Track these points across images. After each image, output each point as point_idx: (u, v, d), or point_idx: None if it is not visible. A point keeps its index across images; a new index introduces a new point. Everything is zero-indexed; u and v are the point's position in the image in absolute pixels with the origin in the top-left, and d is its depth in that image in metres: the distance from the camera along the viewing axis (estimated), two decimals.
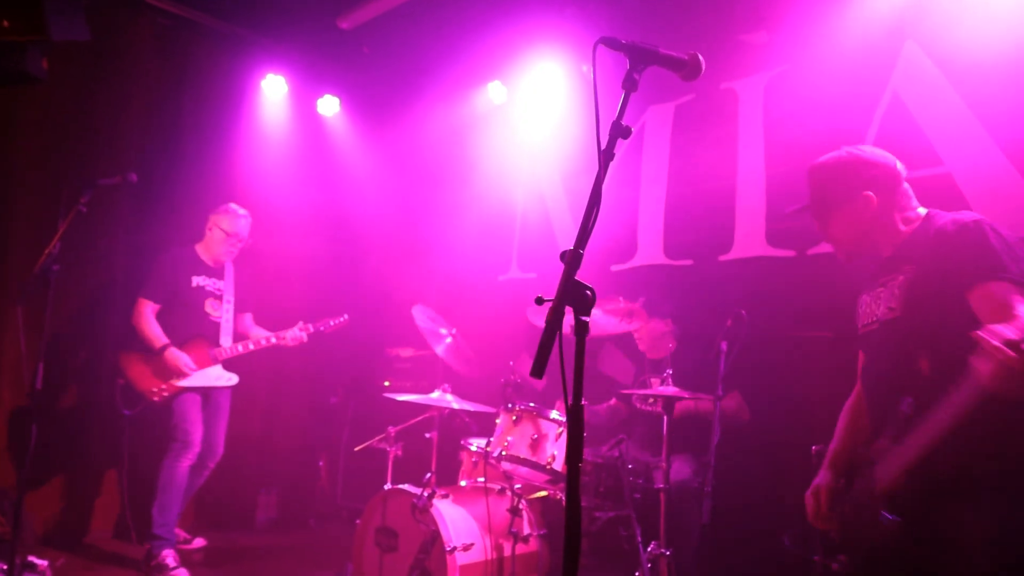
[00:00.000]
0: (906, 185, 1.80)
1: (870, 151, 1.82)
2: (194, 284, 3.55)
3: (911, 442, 1.52)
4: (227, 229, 3.59)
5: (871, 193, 1.74)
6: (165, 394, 3.41)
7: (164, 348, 3.39)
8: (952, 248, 1.62)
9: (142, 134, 4.12)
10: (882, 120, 3.07)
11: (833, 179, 1.80)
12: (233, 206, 3.66)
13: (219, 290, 3.62)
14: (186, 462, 3.38)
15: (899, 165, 1.79)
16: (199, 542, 3.76)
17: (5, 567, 2.56)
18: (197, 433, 3.43)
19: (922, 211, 1.79)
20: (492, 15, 4.09)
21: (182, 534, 3.69)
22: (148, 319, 3.45)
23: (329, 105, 4.90)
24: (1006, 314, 1.45)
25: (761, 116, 3.50)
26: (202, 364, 3.47)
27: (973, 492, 1.50)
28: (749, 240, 3.46)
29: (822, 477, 1.82)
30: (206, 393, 3.53)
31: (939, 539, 1.51)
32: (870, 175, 1.76)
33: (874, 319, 1.77)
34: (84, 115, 3.89)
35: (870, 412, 1.79)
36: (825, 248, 3.18)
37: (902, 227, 1.76)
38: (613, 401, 3.51)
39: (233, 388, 3.66)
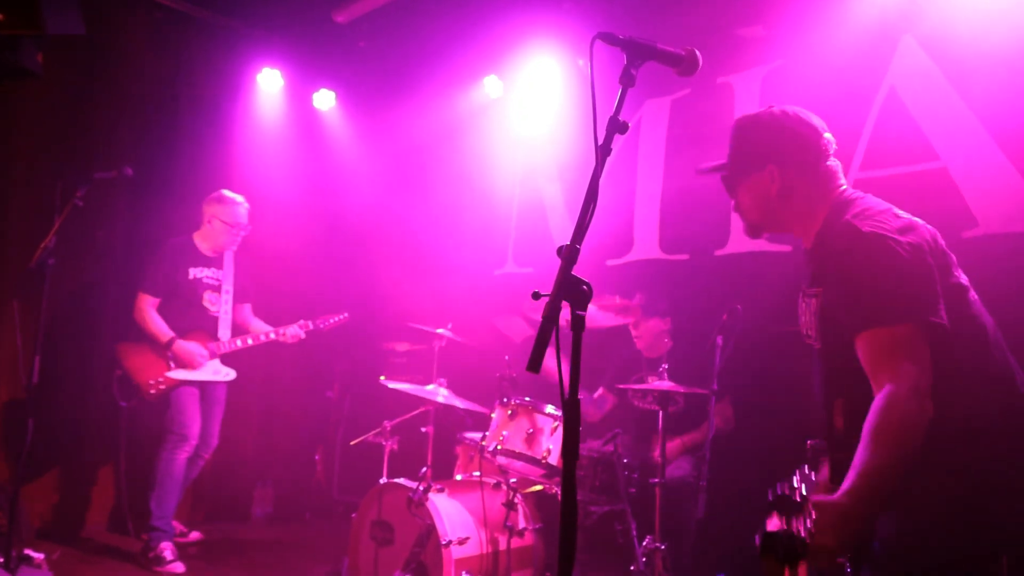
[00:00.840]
0: (831, 163, 1.55)
1: (796, 116, 1.56)
2: (191, 276, 3.53)
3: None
4: (228, 220, 3.56)
5: (775, 167, 1.52)
6: (162, 387, 3.40)
7: (171, 341, 3.38)
8: (838, 279, 1.42)
9: (138, 128, 4.10)
10: (878, 115, 3.08)
11: (745, 141, 1.58)
12: (228, 194, 3.61)
13: (217, 280, 3.60)
14: (183, 454, 3.38)
15: (826, 138, 1.55)
16: (195, 535, 3.76)
17: (2, 560, 2.56)
18: (195, 426, 3.43)
19: (847, 191, 1.55)
20: (488, 9, 4.08)
21: (178, 527, 3.69)
22: (150, 313, 3.44)
23: (325, 99, 4.88)
24: (875, 378, 1.30)
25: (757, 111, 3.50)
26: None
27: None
28: (745, 235, 3.46)
29: (822, 475, 1.72)
30: (203, 386, 3.53)
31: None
32: (783, 147, 1.53)
33: (805, 332, 1.61)
34: (79, 109, 3.87)
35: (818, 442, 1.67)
36: None
37: (819, 214, 1.52)
38: (600, 391, 3.52)
39: (230, 382, 3.66)
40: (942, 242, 1.47)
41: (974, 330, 1.43)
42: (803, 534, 1.14)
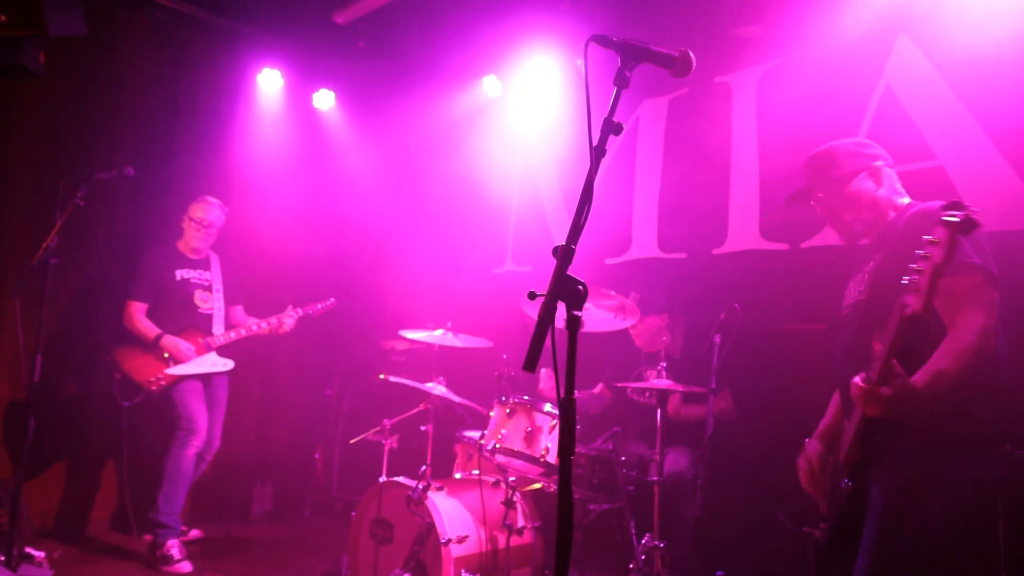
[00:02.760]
0: (894, 173, 1.92)
1: (862, 140, 1.98)
2: (179, 278, 3.57)
3: (856, 415, 1.66)
4: (196, 217, 3.61)
5: (867, 173, 1.87)
6: (163, 383, 3.43)
7: (158, 337, 3.43)
8: (913, 236, 1.64)
9: (139, 128, 4.12)
10: (875, 114, 3.09)
11: (846, 156, 1.91)
12: (204, 196, 3.68)
13: (207, 281, 3.65)
14: (192, 449, 3.40)
15: (887, 156, 1.92)
16: (195, 533, 3.78)
17: (3, 558, 2.58)
18: (202, 420, 3.45)
19: (907, 200, 1.89)
20: (487, 9, 4.09)
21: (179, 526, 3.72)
22: (138, 317, 3.49)
23: (324, 99, 4.90)
24: (956, 308, 1.56)
25: (755, 110, 3.52)
26: (197, 352, 3.49)
27: (900, 463, 1.63)
28: (743, 233, 3.48)
29: (812, 446, 1.94)
30: (206, 381, 3.55)
31: (866, 499, 1.66)
32: (876, 152, 1.90)
33: (849, 302, 1.88)
34: (81, 109, 3.88)
35: (840, 390, 1.90)
36: (818, 241, 3.21)
37: (889, 210, 1.86)
38: (598, 388, 3.53)
39: (229, 380, 3.69)
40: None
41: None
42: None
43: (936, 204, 1.70)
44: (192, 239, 3.63)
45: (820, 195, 1.93)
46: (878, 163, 1.88)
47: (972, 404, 1.58)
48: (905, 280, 1.41)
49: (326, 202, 4.95)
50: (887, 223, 1.85)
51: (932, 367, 1.53)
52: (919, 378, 1.51)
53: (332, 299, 3.82)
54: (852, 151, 1.91)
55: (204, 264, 3.69)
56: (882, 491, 1.62)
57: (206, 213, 3.62)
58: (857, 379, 1.54)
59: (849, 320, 1.86)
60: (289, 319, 3.67)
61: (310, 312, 3.75)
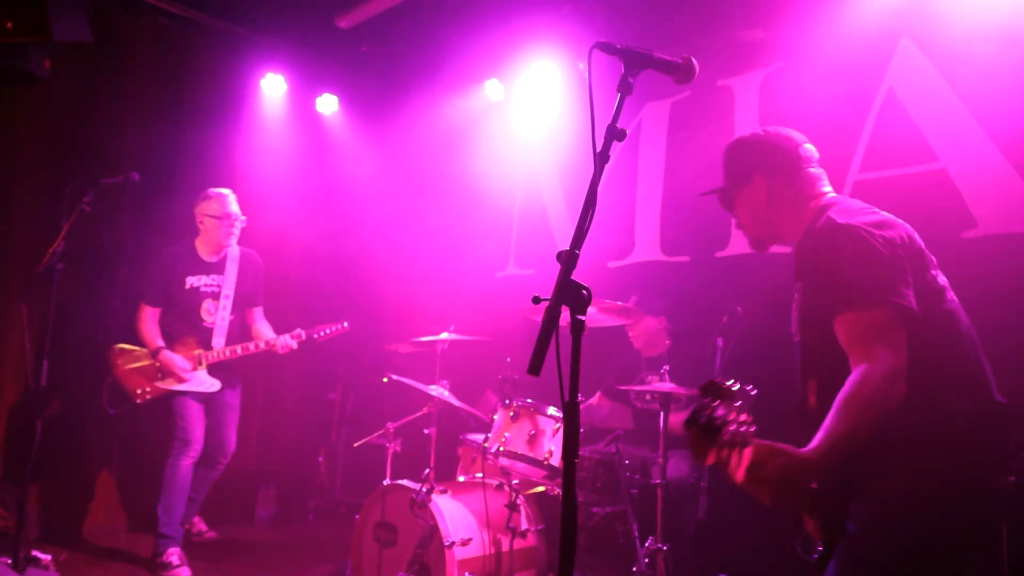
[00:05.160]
0: (813, 170, 1.66)
1: (775, 132, 1.71)
2: (188, 286, 3.46)
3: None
4: (215, 213, 3.45)
5: (761, 177, 1.65)
6: (148, 396, 3.40)
7: (158, 351, 3.38)
8: (815, 267, 1.52)
9: (143, 133, 4.13)
10: (877, 117, 3.09)
11: (734, 160, 1.72)
12: (212, 190, 3.52)
13: (217, 287, 3.51)
14: (187, 460, 3.38)
15: (805, 148, 1.67)
16: (212, 534, 3.80)
17: (9, 561, 2.59)
18: (197, 430, 3.42)
19: (830, 197, 1.64)
20: (489, 14, 4.11)
21: (198, 525, 3.75)
22: (146, 323, 3.44)
23: (328, 104, 4.92)
24: (853, 357, 1.38)
25: (757, 113, 3.52)
26: (191, 367, 3.43)
27: (871, 476, 1.44)
28: (752, 250, 3.47)
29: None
30: (209, 393, 3.51)
31: (839, 525, 1.49)
32: (766, 158, 1.66)
33: (793, 332, 1.71)
34: (86, 115, 3.90)
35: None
36: None
37: (794, 224, 1.64)
38: (596, 399, 3.49)
39: (242, 385, 3.65)
40: (920, 242, 1.52)
41: (947, 328, 1.48)
42: (736, 420, 1.23)
43: (833, 224, 1.48)
44: (216, 236, 3.45)
45: (722, 196, 1.74)
46: (759, 176, 1.64)
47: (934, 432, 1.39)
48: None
49: (329, 206, 4.96)
50: (799, 240, 1.62)
51: (823, 436, 1.34)
52: (813, 446, 1.33)
53: (344, 323, 3.59)
54: (739, 155, 1.70)
55: (219, 266, 3.53)
56: (853, 519, 1.45)
57: (224, 206, 3.46)
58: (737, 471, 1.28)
59: (795, 352, 1.69)
60: (283, 342, 3.48)
61: (315, 336, 3.53)
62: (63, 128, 3.81)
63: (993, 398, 1.46)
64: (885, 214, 1.54)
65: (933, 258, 1.53)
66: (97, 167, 3.75)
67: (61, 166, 3.74)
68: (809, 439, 1.38)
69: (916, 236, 1.51)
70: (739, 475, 1.25)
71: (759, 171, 1.67)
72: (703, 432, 1.20)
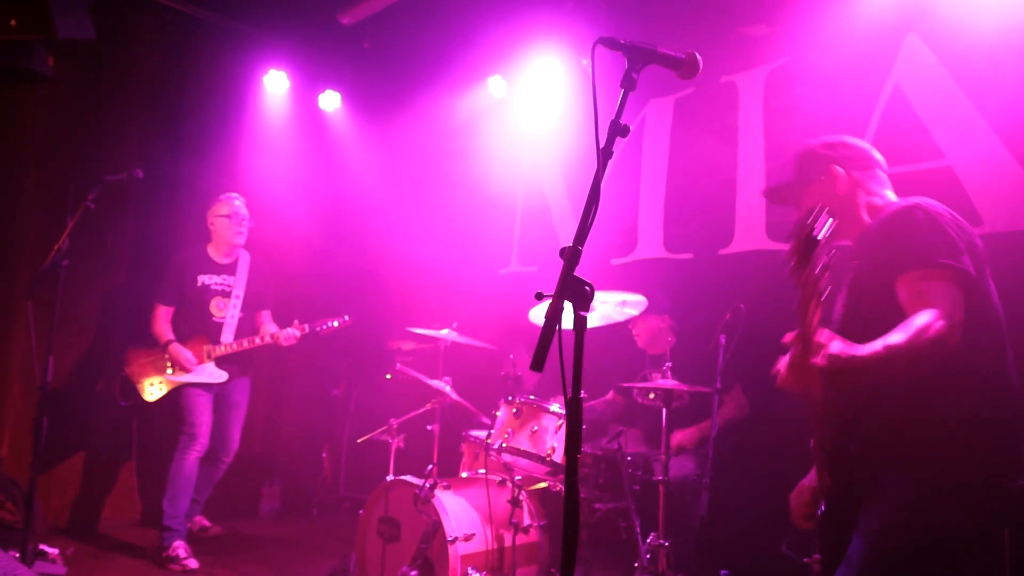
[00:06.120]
0: (881, 173, 1.77)
1: (851, 137, 1.83)
2: (199, 283, 3.58)
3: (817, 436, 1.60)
4: (225, 213, 3.60)
5: (839, 168, 1.74)
6: (159, 394, 3.48)
7: (168, 344, 3.48)
8: (882, 240, 1.60)
9: (147, 130, 4.15)
10: (883, 114, 3.07)
11: (809, 156, 1.80)
12: (228, 194, 3.68)
13: (228, 286, 3.63)
14: (194, 454, 3.43)
15: (877, 155, 1.79)
16: (216, 530, 3.84)
17: (17, 555, 2.61)
18: (204, 425, 3.47)
19: (890, 198, 1.75)
20: (492, 10, 4.10)
21: (201, 522, 3.78)
22: (159, 320, 3.55)
23: (330, 100, 4.92)
24: (915, 309, 1.46)
25: (761, 109, 3.51)
26: (198, 361, 3.51)
27: (894, 462, 1.51)
28: (749, 234, 3.47)
29: (809, 478, 1.82)
30: (218, 390, 3.56)
31: (857, 508, 1.55)
32: (842, 153, 1.77)
33: (836, 318, 1.76)
34: (90, 112, 3.91)
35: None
36: None
37: (865, 216, 1.72)
38: (610, 395, 3.54)
39: (251, 384, 3.73)
40: (980, 246, 1.60)
41: (992, 320, 1.57)
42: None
43: (903, 204, 1.61)
44: (226, 236, 3.59)
45: (791, 192, 1.83)
46: (838, 168, 1.73)
47: (966, 426, 1.46)
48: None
49: (332, 204, 4.96)
50: (863, 228, 1.71)
51: (881, 339, 1.43)
52: (863, 346, 1.42)
53: (346, 316, 3.68)
54: (816, 152, 1.78)
55: (230, 268, 3.66)
56: (872, 516, 1.51)
57: (233, 208, 3.61)
58: (782, 360, 1.46)
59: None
60: (286, 334, 3.55)
61: (318, 329, 3.61)
62: (67, 125, 3.82)
63: (1015, 396, 1.54)
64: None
65: (987, 266, 1.61)
66: (101, 164, 3.77)
67: (65, 163, 3.76)
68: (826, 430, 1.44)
69: (980, 241, 1.60)
70: (809, 335, 1.36)
71: (837, 164, 1.74)
72: (807, 241, 1.28)
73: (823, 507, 1.63)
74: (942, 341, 1.41)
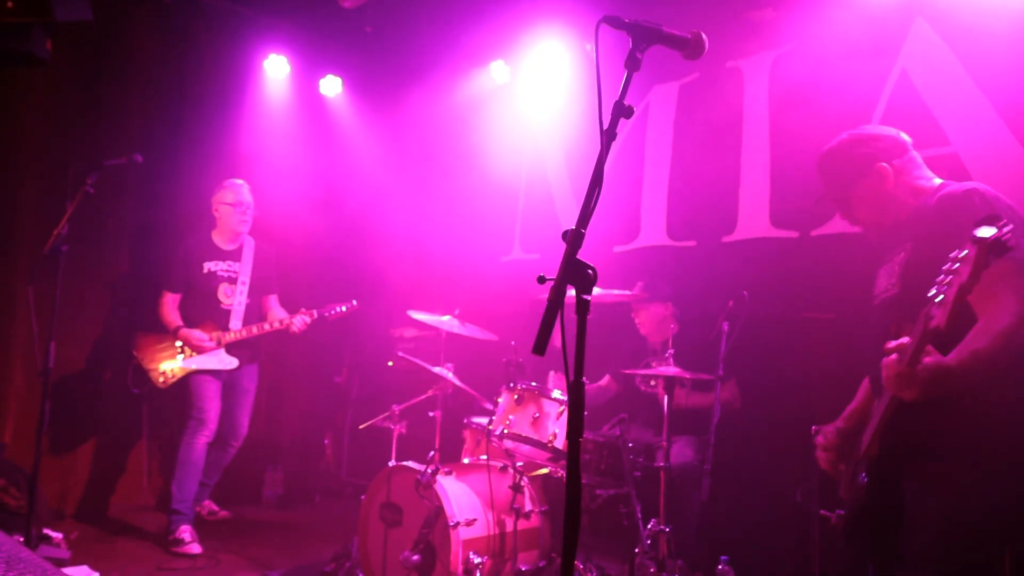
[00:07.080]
0: (914, 153, 1.80)
1: (871, 127, 1.86)
2: (205, 270, 3.59)
3: (879, 407, 1.60)
4: (230, 201, 3.61)
5: (884, 164, 1.76)
6: (170, 380, 3.51)
7: (177, 329, 3.51)
8: (941, 220, 1.61)
9: (146, 114, 4.12)
10: (889, 99, 3.04)
11: (845, 160, 1.82)
12: (226, 181, 3.68)
13: (234, 273, 3.65)
14: (202, 439, 3.46)
15: (904, 136, 1.81)
16: (224, 514, 3.89)
17: (22, 539, 2.63)
18: (212, 411, 3.50)
19: (937, 181, 1.77)
20: None
21: (209, 506, 3.83)
22: (166, 307, 3.57)
23: (331, 85, 4.88)
24: (997, 295, 1.47)
25: (766, 95, 3.47)
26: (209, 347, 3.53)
27: (939, 456, 1.56)
28: (753, 221, 3.45)
29: (832, 427, 1.88)
30: (226, 375, 3.58)
31: (899, 504, 1.59)
32: (878, 147, 1.79)
33: (880, 292, 1.81)
34: (89, 96, 3.89)
35: (870, 378, 1.85)
36: (828, 229, 3.18)
37: (911, 199, 1.76)
38: (604, 380, 3.52)
39: (259, 370, 3.75)
40: None
41: None
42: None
43: (961, 187, 1.64)
44: (230, 223, 3.61)
45: (831, 199, 1.89)
46: (883, 164, 1.76)
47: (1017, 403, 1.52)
48: (933, 292, 1.34)
49: (333, 189, 4.94)
50: (912, 210, 1.75)
51: (966, 347, 1.46)
52: (953, 357, 1.45)
53: (354, 301, 3.73)
54: (851, 152, 1.81)
55: (235, 255, 3.68)
56: (924, 486, 1.56)
57: (238, 195, 3.62)
58: (890, 359, 1.47)
59: (880, 311, 1.79)
60: (299, 321, 3.61)
61: (327, 314, 3.67)
62: (66, 109, 3.79)
63: None
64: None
65: None
66: (100, 148, 3.76)
67: (64, 148, 3.74)
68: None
69: None
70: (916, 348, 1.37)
71: (878, 158, 1.77)
72: (998, 241, 1.26)
73: (863, 476, 1.66)
74: (1022, 343, 1.46)
